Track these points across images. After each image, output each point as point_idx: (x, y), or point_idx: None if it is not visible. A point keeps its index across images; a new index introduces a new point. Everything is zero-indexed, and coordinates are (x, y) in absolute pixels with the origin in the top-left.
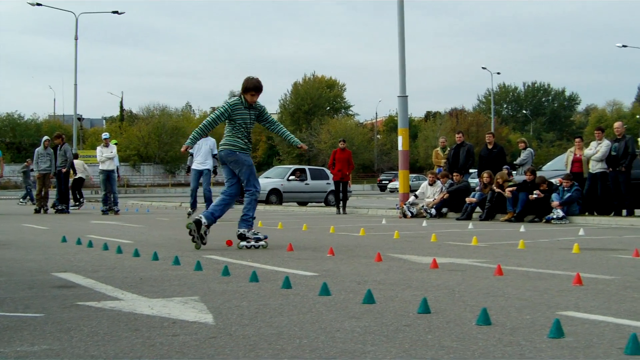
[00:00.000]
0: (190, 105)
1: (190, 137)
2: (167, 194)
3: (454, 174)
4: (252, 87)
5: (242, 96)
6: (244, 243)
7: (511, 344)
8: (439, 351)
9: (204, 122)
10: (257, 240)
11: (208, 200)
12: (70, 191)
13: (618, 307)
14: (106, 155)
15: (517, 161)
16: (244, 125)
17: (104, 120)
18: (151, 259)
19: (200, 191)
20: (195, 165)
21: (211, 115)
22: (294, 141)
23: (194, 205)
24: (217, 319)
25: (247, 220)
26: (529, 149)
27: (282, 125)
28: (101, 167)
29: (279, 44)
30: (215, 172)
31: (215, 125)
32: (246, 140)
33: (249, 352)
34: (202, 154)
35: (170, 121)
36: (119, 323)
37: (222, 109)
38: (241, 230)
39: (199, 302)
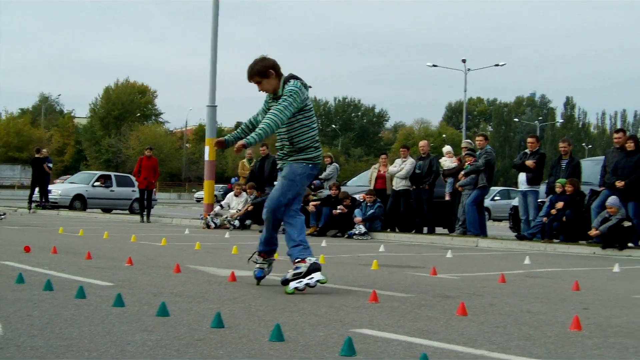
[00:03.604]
0: None
1: (259, 133)
2: None
3: (255, 190)
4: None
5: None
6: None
7: None
8: None
9: (279, 114)
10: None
11: None
12: None
13: (412, 325)
14: None
15: (323, 176)
16: None
17: None
18: None
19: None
20: None
21: (285, 103)
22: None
23: None
24: (6, 329)
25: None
26: (334, 164)
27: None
28: None
29: (91, 46)
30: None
31: None
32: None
33: None
34: None
35: None
36: None
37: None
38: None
39: None
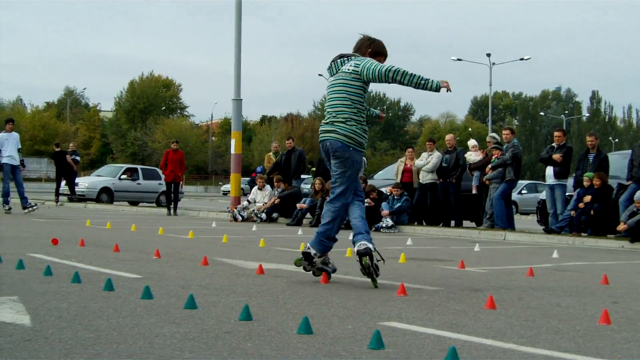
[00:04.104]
0: (22, 99)
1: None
2: None
3: (282, 182)
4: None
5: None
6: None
7: (330, 354)
8: None
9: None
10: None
11: (22, 196)
12: None
13: (440, 319)
14: None
15: None
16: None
17: None
18: None
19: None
20: (8, 160)
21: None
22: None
23: (8, 202)
24: (35, 321)
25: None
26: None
27: None
28: None
29: (115, 42)
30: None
31: None
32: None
33: (64, 357)
34: (10, 148)
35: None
36: None
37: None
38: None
39: (17, 303)
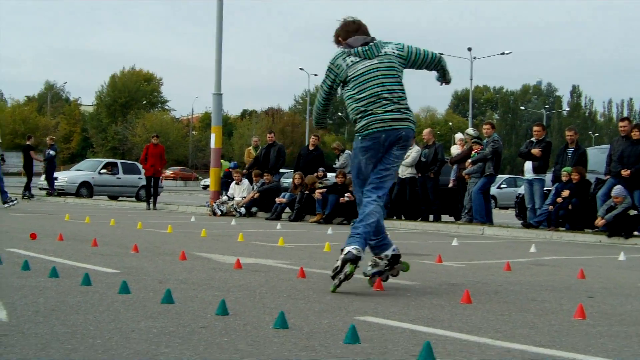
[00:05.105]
0: (2, 93)
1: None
2: None
3: (265, 174)
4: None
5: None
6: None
7: (306, 348)
8: (233, 355)
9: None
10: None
11: (2, 190)
12: None
13: (416, 313)
14: None
15: (337, 165)
16: None
17: None
18: None
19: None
20: None
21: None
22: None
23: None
24: (11, 316)
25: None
26: (346, 151)
27: None
28: None
29: (97, 36)
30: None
31: None
32: None
33: (40, 352)
34: None
35: None
36: None
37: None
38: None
39: None
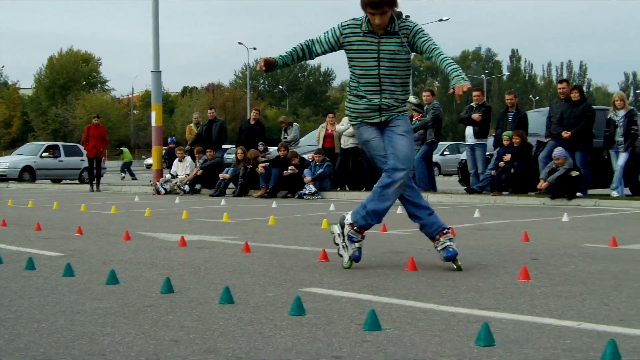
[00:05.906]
0: None
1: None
2: None
3: (207, 150)
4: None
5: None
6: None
7: (252, 322)
8: (179, 332)
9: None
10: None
11: None
12: None
13: (361, 282)
14: None
15: (289, 138)
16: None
17: None
18: None
19: None
20: None
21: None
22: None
23: None
24: None
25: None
26: (294, 124)
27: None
28: None
29: (33, 18)
30: None
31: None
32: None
33: None
34: None
35: None
36: None
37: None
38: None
39: None
